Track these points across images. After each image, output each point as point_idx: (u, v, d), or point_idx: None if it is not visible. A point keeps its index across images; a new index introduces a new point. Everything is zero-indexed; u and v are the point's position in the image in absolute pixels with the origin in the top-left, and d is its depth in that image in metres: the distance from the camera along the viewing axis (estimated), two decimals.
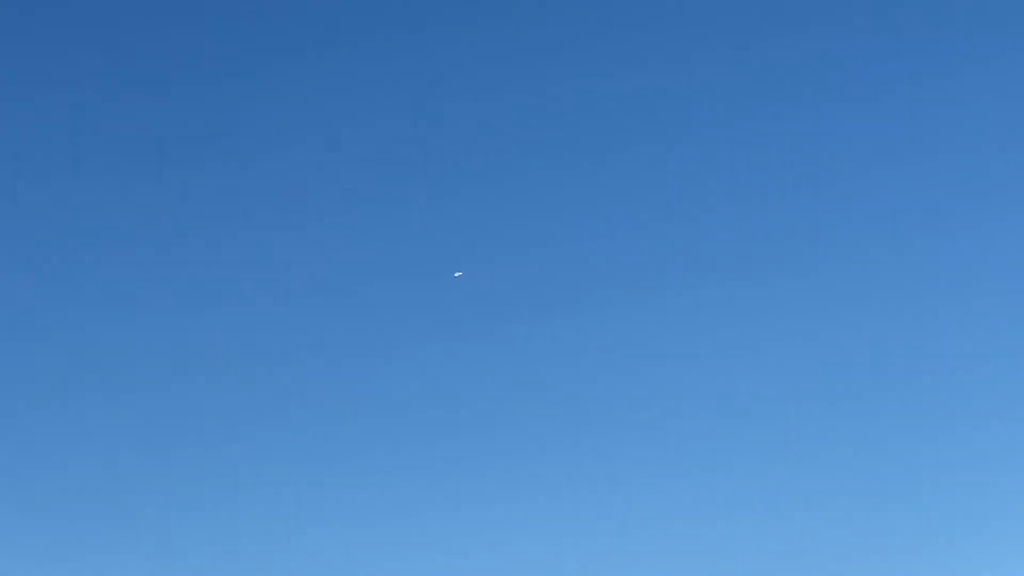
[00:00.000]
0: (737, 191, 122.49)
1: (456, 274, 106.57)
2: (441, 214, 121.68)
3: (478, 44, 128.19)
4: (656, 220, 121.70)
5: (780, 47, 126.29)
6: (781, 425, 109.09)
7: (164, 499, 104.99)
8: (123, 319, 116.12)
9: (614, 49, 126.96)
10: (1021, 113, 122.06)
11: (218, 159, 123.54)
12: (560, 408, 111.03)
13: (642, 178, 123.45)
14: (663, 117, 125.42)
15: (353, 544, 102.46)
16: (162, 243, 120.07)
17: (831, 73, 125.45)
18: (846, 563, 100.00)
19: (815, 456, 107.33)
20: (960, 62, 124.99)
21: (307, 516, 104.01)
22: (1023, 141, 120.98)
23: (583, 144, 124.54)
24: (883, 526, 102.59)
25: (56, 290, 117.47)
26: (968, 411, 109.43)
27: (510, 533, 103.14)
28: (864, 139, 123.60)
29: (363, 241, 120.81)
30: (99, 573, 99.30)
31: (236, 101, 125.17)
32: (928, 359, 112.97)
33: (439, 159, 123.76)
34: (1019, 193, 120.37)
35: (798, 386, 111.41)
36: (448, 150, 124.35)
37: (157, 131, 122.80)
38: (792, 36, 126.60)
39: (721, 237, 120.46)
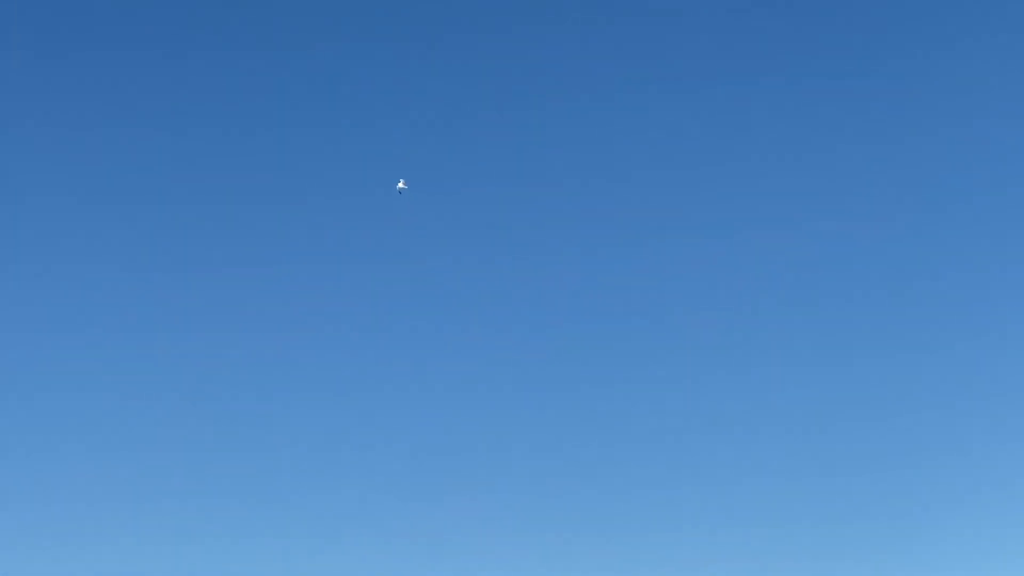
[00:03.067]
0: (750, 207, 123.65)
1: (399, 185, 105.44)
2: (443, 220, 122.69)
3: (492, 50, 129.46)
4: (666, 235, 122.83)
5: (789, 56, 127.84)
6: (781, 439, 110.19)
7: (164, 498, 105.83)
8: (126, 324, 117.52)
9: (622, 59, 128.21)
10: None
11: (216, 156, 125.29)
12: (564, 416, 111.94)
13: (652, 191, 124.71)
14: (673, 128, 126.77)
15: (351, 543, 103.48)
16: (165, 245, 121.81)
17: (841, 83, 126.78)
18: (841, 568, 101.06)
19: (816, 466, 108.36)
20: (967, 71, 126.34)
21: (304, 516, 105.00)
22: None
23: (591, 155, 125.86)
24: (885, 535, 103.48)
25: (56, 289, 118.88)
26: (967, 417, 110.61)
27: (508, 533, 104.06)
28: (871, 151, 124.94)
29: (367, 246, 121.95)
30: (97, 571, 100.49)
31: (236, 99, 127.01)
32: (926, 367, 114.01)
33: (443, 163, 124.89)
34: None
35: (799, 397, 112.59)
36: (451, 155, 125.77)
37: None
38: (800, 44, 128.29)
39: (729, 254, 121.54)
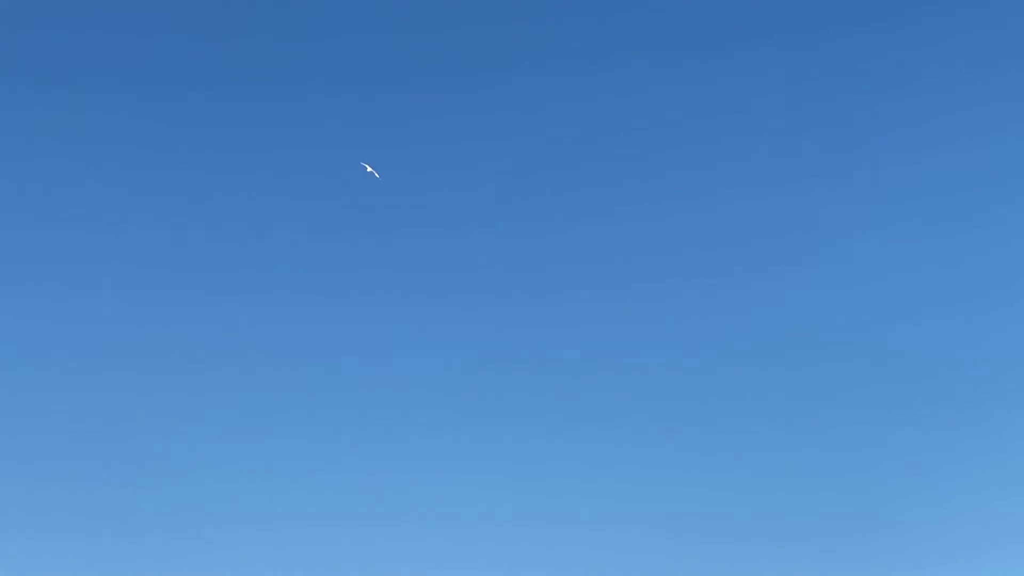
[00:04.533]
0: (738, 188, 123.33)
1: (368, 169, 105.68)
2: (436, 208, 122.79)
3: (478, 36, 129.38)
4: (655, 216, 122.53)
5: (782, 47, 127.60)
6: (775, 422, 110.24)
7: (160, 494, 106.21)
8: (121, 312, 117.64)
9: (613, 43, 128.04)
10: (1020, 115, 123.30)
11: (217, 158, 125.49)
12: (556, 404, 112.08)
13: (641, 173, 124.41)
14: (663, 112, 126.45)
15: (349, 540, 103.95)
16: (163, 245, 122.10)
17: (833, 72, 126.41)
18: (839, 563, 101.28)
19: (809, 452, 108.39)
20: (960, 63, 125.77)
21: (301, 512, 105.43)
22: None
23: (583, 138, 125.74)
24: (882, 527, 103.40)
25: (53, 282, 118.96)
26: (968, 412, 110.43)
27: (504, 531, 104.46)
28: (865, 138, 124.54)
29: (361, 238, 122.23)
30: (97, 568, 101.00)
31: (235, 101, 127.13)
32: (927, 360, 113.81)
33: (434, 153, 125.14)
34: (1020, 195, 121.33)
35: (793, 383, 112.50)
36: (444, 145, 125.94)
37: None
38: (793, 36, 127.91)
39: (720, 234, 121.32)
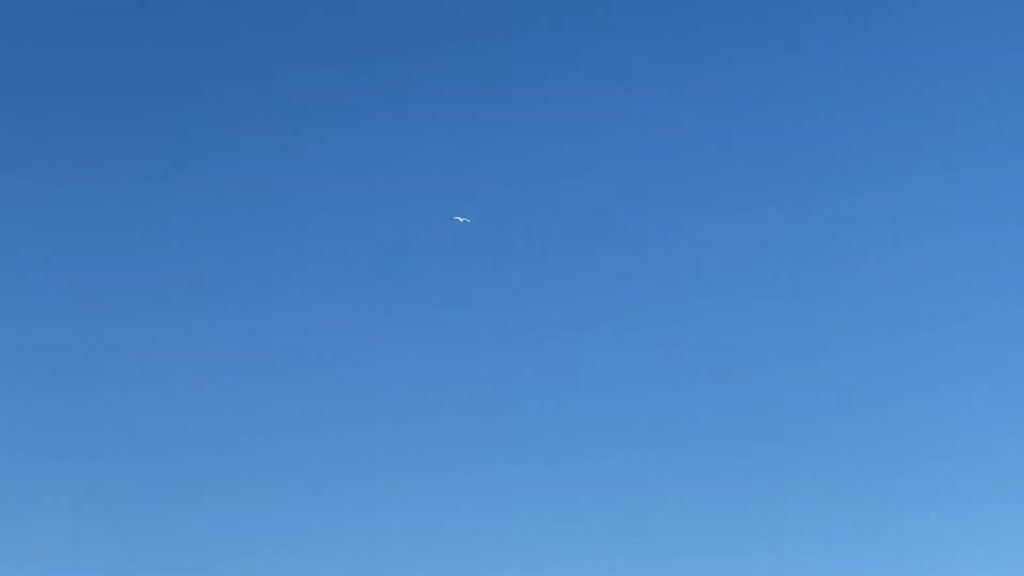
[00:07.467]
0: (739, 198, 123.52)
1: (460, 219, 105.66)
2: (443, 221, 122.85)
3: (486, 45, 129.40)
4: (655, 228, 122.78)
5: (781, 52, 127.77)
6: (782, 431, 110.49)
7: (166, 501, 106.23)
8: (127, 318, 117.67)
9: (615, 54, 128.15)
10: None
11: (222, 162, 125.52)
12: (561, 418, 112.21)
13: (643, 186, 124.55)
14: (664, 127, 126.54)
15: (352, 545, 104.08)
16: (166, 245, 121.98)
17: (832, 78, 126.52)
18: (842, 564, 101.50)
19: (816, 460, 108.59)
20: (959, 65, 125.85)
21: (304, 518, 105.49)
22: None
23: (584, 152, 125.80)
24: (884, 534, 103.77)
25: (62, 290, 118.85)
26: (968, 414, 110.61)
27: (506, 534, 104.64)
28: (864, 144, 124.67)
29: (368, 245, 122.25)
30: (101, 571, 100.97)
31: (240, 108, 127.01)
32: (929, 364, 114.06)
33: (442, 161, 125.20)
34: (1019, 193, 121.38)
35: (798, 391, 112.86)
36: (449, 151, 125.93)
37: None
38: (792, 40, 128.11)
39: (722, 245, 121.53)
